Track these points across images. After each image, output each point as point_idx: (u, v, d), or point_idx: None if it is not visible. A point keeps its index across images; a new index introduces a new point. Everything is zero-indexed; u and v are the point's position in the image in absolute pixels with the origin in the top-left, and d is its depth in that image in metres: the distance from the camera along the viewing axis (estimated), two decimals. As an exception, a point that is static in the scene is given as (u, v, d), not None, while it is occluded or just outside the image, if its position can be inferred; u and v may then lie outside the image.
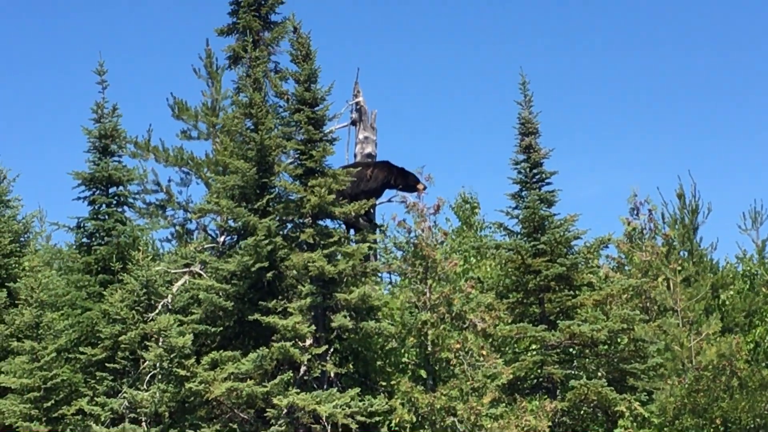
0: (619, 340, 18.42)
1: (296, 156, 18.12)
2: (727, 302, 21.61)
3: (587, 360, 18.34)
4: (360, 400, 16.54)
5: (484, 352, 16.91)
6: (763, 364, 18.44)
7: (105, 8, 62.82)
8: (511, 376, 17.05)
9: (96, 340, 18.06)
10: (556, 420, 17.43)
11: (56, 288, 18.78)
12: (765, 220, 25.75)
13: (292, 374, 16.63)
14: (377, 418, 16.65)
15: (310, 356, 16.77)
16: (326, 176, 17.64)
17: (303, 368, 16.87)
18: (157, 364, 17.05)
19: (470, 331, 17.01)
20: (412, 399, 16.54)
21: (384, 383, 17.65)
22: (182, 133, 23.30)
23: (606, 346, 18.53)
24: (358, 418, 16.34)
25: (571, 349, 18.38)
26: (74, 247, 20.16)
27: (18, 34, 61.10)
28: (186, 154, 23.24)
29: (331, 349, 17.35)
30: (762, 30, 56.66)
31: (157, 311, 17.58)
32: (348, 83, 22.32)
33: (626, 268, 20.56)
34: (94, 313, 18.24)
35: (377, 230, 20.53)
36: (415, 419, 16.67)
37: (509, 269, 18.83)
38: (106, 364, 17.56)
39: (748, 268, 23.89)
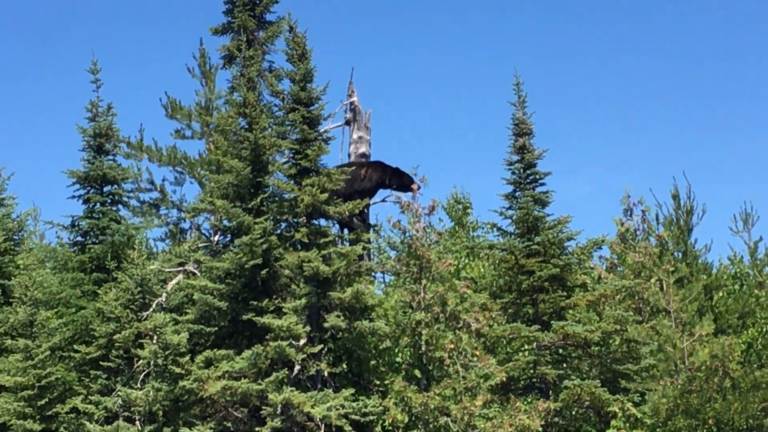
0: (612, 340, 18.44)
1: (291, 155, 18.13)
2: (720, 304, 21.68)
3: (580, 360, 18.37)
4: (354, 401, 16.57)
5: (478, 353, 16.93)
6: (756, 366, 18.46)
7: (99, 7, 62.82)
8: (505, 377, 17.08)
9: (90, 338, 18.05)
10: (549, 420, 17.43)
11: (50, 286, 18.81)
12: (757, 222, 25.86)
13: (287, 372, 16.64)
14: (371, 418, 16.68)
15: (304, 356, 16.80)
16: (320, 175, 17.67)
17: (297, 367, 16.88)
18: (152, 362, 17.03)
19: (464, 331, 17.02)
20: (406, 399, 16.54)
21: (378, 383, 17.68)
22: (176, 133, 23.21)
23: (599, 347, 18.55)
24: (352, 418, 16.37)
25: (564, 350, 18.42)
26: (68, 245, 20.17)
27: (12, 32, 61.03)
28: (179, 153, 23.19)
29: (325, 349, 17.38)
30: (756, 32, 56.82)
31: (151, 310, 17.57)
32: (342, 83, 22.29)
33: (619, 269, 20.58)
34: (89, 312, 18.24)
35: (371, 230, 20.54)
36: (408, 419, 16.66)
37: (503, 269, 18.88)
38: (101, 363, 17.52)
39: (740, 270, 23.96)
